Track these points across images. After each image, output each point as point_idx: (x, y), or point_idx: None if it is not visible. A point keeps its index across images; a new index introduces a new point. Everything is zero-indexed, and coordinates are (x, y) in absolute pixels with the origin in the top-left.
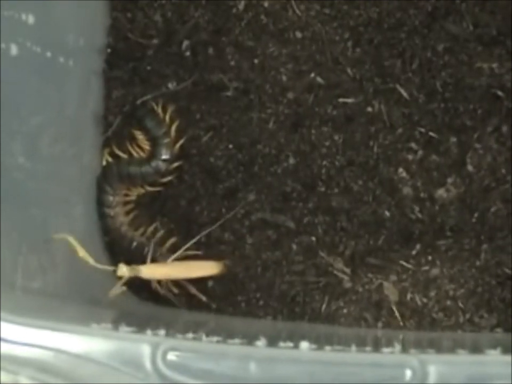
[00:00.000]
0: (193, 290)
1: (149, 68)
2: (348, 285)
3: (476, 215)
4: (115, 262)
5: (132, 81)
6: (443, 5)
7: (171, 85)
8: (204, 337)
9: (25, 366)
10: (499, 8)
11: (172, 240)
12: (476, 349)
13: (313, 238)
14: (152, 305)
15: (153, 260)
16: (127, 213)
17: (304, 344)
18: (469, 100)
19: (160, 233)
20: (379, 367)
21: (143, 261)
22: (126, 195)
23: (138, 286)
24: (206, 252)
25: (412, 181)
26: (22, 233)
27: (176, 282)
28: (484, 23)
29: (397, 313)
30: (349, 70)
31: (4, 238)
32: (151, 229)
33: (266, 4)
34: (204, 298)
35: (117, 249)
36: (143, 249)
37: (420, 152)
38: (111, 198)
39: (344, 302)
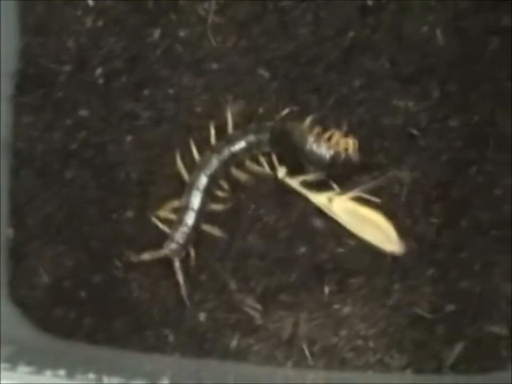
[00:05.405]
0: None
1: (60, 94)
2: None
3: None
4: None
5: (43, 108)
6: (360, 41)
7: (83, 113)
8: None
9: None
10: (415, 46)
11: None
12: None
13: (225, 274)
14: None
15: None
16: None
17: None
18: (384, 138)
19: None
20: None
21: None
22: None
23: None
24: None
25: None
26: None
27: None
28: (401, 60)
29: (307, 352)
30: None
31: None
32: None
33: (182, 34)
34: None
35: None
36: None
37: None
38: None
39: (255, 339)
